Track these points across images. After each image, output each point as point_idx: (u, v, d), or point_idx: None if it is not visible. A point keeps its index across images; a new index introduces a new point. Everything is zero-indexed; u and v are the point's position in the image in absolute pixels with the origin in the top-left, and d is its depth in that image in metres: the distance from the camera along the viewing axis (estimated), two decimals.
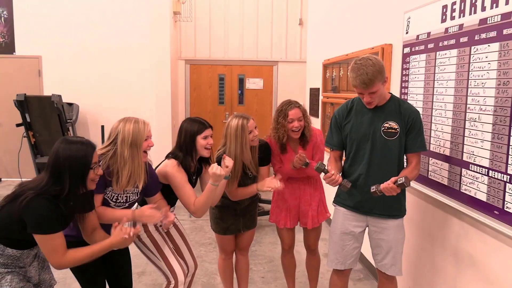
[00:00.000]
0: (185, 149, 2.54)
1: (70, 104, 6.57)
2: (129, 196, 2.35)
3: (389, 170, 2.41)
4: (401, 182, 2.22)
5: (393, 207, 2.47)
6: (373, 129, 2.41)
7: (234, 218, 2.90)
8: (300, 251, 3.26)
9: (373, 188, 2.30)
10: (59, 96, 5.84)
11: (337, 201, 2.63)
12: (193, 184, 2.62)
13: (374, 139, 2.41)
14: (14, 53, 6.91)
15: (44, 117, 5.89)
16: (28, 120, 5.91)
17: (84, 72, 6.93)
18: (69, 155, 1.88)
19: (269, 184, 2.67)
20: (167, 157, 2.58)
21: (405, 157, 2.48)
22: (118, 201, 2.33)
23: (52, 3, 6.83)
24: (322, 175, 2.45)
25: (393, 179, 2.23)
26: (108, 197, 2.29)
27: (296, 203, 2.95)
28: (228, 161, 2.46)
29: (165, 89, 6.99)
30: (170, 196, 2.57)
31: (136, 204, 2.50)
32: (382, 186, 2.25)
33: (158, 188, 2.48)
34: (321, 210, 3.00)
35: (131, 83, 7.03)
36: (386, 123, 2.39)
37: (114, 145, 2.24)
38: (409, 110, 2.41)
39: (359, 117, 2.47)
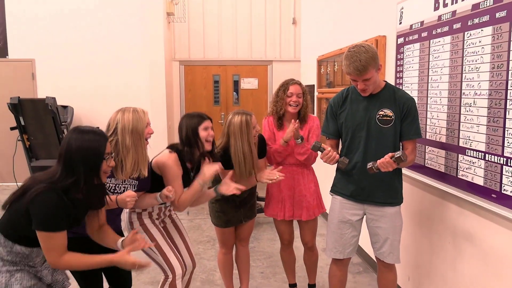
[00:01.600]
0: (188, 143, 2.50)
1: (65, 107, 6.54)
2: (127, 187, 2.34)
3: None
4: (398, 155, 2.19)
5: (390, 195, 2.47)
6: (368, 117, 2.42)
7: (235, 209, 2.89)
8: (299, 247, 3.24)
9: (369, 165, 2.29)
10: (53, 99, 5.81)
11: (334, 190, 2.63)
12: (190, 181, 2.58)
13: (369, 127, 2.41)
14: (7, 57, 6.88)
15: (39, 120, 5.85)
16: (23, 123, 5.88)
17: (78, 74, 6.91)
18: (82, 145, 1.80)
19: (268, 175, 2.68)
20: (169, 148, 2.55)
21: (400, 144, 2.49)
22: (115, 191, 2.31)
23: (44, 6, 6.82)
24: (319, 155, 2.45)
25: (389, 154, 2.22)
26: (107, 188, 2.26)
27: (290, 193, 2.92)
28: (207, 170, 2.50)
29: (160, 90, 6.99)
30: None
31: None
32: (379, 161, 2.24)
33: (148, 186, 2.45)
34: (317, 203, 2.98)
35: (125, 85, 7.01)
36: (381, 110, 2.40)
37: (115, 135, 2.23)
38: (404, 97, 2.41)
39: (354, 105, 2.47)
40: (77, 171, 1.79)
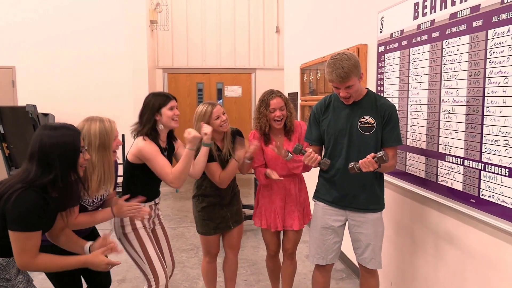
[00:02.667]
0: (148, 123, 2.51)
1: (46, 115, 6.43)
2: (104, 194, 2.32)
3: None
4: (380, 155, 2.20)
5: (371, 201, 2.49)
6: (350, 124, 2.44)
7: (222, 214, 2.84)
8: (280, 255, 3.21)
9: (351, 165, 2.29)
10: (34, 106, 5.72)
11: (317, 196, 2.65)
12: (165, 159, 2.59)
13: (351, 134, 2.44)
14: None
15: (19, 128, 5.75)
16: (2, 131, 5.76)
17: (59, 82, 6.84)
18: (57, 141, 1.76)
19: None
20: (134, 136, 2.58)
21: None
22: (94, 203, 2.28)
23: (25, 13, 6.74)
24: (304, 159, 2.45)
25: (372, 154, 2.23)
26: (84, 202, 2.21)
27: (282, 204, 2.87)
28: (206, 128, 2.53)
29: (143, 98, 6.92)
30: (150, 186, 2.58)
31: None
32: (361, 161, 2.24)
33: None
34: (307, 211, 2.95)
35: (108, 93, 6.95)
36: (363, 118, 2.42)
37: None
38: (385, 104, 2.45)
39: (336, 112, 2.50)
40: (54, 167, 1.75)
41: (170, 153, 2.70)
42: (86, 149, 1.90)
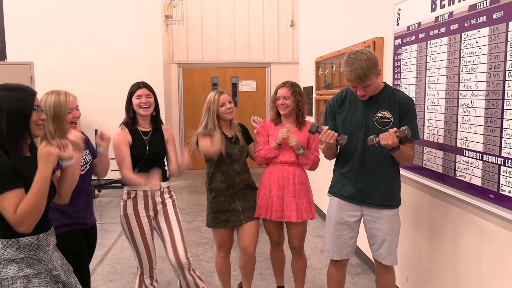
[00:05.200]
0: (128, 112, 2.70)
1: None
2: (86, 158, 2.39)
3: (382, 161, 2.41)
4: (402, 129, 2.19)
5: (388, 197, 2.46)
6: (366, 118, 2.42)
7: (233, 207, 2.84)
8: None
9: (370, 137, 2.28)
10: None
11: (332, 191, 2.63)
12: (145, 144, 2.67)
13: (367, 129, 2.41)
14: (5, 60, 6.88)
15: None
16: None
17: (76, 77, 6.90)
18: (8, 96, 1.73)
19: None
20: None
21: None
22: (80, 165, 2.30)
23: (43, 9, 6.82)
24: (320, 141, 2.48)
25: (394, 128, 2.22)
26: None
27: (280, 193, 2.85)
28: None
29: (158, 93, 6.89)
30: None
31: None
32: (381, 134, 2.23)
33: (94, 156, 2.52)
34: (307, 207, 2.87)
35: (124, 88, 6.89)
36: (379, 112, 2.40)
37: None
38: (403, 98, 2.41)
39: (352, 107, 2.47)
40: (3, 124, 1.70)
41: (154, 136, 2.74)
42: (43, 110, 1.87)
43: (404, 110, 2.38)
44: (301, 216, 2.85)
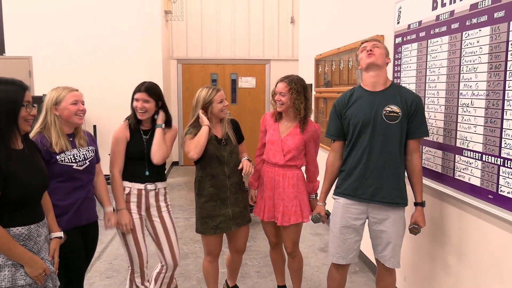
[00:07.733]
0: (131, 109, 2.72)
1: None
2: (86, 154, 2.38)
3: (390, 156, 2.37)
4: (415, 226, 2.46)
5: (395, 194, 2.41)
6: (374, 113, 2.38)
7: (224, 213, 2.72)
8: None
9: (411, 228, 2.48)
10: None
11: (337, 192, 2.57)
12: (143, 142, 2.65)
13: (375, 123, 2.37)
14: (4, 54, 6.85)
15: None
16: None
17: (75, 72, 6.86)
18: None
19: (245, 164, 2.70)
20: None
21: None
22: (77, 160, 2.31)
23: (41, 4, 6.78)
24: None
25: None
26: (66, 162, 2.26)
27: (271, 194, 2.82)
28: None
29: None
30: (128, 166, 2.64)
31: None
32: (418, 220, 2.47)
33: (97, 159, 2.52)
34: (295, 210, 2.79)
35: (123, 83, 6.94)
36: (388, 106, 2.36)
37: (45, 113, 2.32)
38: (412, 95, 2.40)
39: (360, 101, 2.44)
40: None
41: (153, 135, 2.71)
42: (34, 105, 1.85)
43: (414, 107, 2.36)
44: (288, 219, 2.78)
